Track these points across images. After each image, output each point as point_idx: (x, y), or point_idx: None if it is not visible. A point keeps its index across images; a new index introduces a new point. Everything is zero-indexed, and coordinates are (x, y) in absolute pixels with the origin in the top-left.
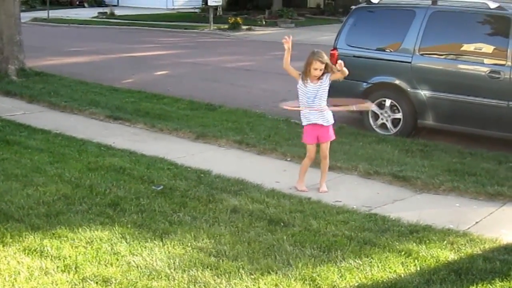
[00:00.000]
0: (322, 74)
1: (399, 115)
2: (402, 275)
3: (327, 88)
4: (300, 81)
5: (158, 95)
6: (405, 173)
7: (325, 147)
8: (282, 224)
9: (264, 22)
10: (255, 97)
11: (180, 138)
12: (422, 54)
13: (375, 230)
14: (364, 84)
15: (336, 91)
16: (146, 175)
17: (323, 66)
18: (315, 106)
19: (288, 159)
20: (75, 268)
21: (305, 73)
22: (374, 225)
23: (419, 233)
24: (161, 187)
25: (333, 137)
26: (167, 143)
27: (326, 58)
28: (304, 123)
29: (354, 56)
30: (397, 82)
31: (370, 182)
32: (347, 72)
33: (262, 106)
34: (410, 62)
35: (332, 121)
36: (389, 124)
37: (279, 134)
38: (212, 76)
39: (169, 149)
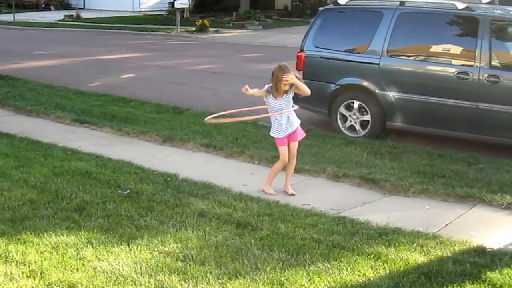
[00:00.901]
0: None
1: (367, 117)
2: (372, 278)
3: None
4: (269, 96)
5: (124, 98)
6: (374, 175)
7: (295, 146)
8: (250, 227)
9: (231, 24)
10: (222, 99)
11: (147, 142)
12: (390, 56)
13: (344, 233)
14: (333, 85)
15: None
16: (113, 179)
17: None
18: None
19: (256, 162)
20: (41, 273)
21: (275, 89)
22: (343, 228)
23: (388, 236)
24: (128, 191)
25: (303, 134)
26: (134, 147)
27: (293, 75)
28: (274, 135)
29: (321, 58)
30: (365, 83)
31: (338, 185)
32: (303, 87)
33: (229, 109)
34: (378, 64)
35: (299, 121)
36: (357, 126)
37: (246, 137)
38: (179, 79)
39: (135, 153)
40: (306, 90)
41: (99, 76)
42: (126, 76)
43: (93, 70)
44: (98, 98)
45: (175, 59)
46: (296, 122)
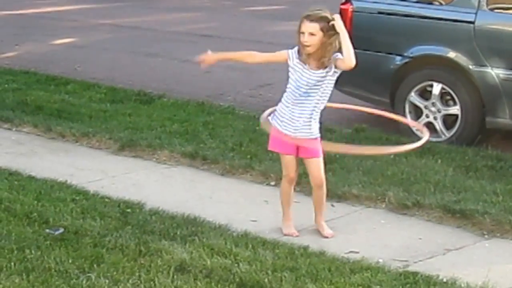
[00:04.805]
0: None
1: (455, 110)
2: None
3: (330, 84)
4: (293, 59)
5: (57, 78)
6: (465, 205)
7: (316, 167)
8: None
9: None
10: (218, 80)
11: (93, 150)
12: (492, 9)
13: None
14: (398, 58)
15: (354, 71)
16: (36, 211)
17: (316, 29)
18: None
19: (272, 183)
20: None
21: (303, 52)
22: None
23: None
24: (61, 230)
25: (315, 152)
26: (72, 158)
27: (323, 17)
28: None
29: (380, 13)
30: (451, 55)
31: (406, 221)
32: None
33: (229, 96)
34: (473, 22)
35: (318, 134)
36: (438, 125)
37: (257, 141)
38: (148, 46)
39: (75, 168)
40: (349, 57)
41: (17, 41)
42: (60, 41)
43: (7, 31)
44: (15, 78)
45: (142, 14)
46: (313, 129)
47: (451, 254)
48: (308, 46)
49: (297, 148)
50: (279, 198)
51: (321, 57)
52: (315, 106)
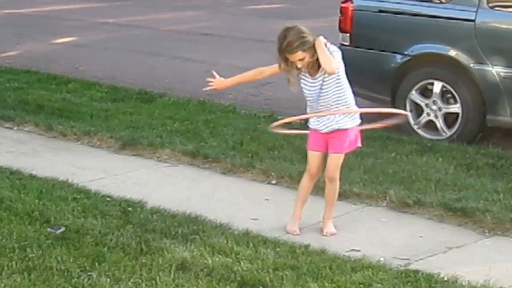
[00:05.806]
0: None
1: (456, 108)
2: None
3: (340, 81)
4: (302, 73)
5: (58, 77)
6: (466, 203)
7: (334, 161)
8: None
9: None
10: None
11: (95, 148)
12: (493, 7)
13: None
14: (399, 57)
15: (355, 69)
16: (37, 210)
17: (303, 54)
18: (320, 108)
19: (273, 182)
20: None
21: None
22: None
23: None
24: (62, 229)
25: (355, 145)
26: (73, 157)
27: (300, 41)
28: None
29: (381, 11)
30: (452, 53)
31: (407, 219)
32: (329, 59)
33: (230, 94)
34: (473, 20)
35: (356, 122)
36: (439, 123)
37: (258, 140)
38: (149, 45)
39: (76, 167)
40: (326, 64)
41: (18, 41)
42: (61, 40)
43: (8, 31)
44: (16, 77)
45: (143, 13)
46: (352, 121)
47: (452, 252)
48: (304, 66)
49: (327, 144)
50: (284, 197)
51: (318, 65)
52: (332, 105)
